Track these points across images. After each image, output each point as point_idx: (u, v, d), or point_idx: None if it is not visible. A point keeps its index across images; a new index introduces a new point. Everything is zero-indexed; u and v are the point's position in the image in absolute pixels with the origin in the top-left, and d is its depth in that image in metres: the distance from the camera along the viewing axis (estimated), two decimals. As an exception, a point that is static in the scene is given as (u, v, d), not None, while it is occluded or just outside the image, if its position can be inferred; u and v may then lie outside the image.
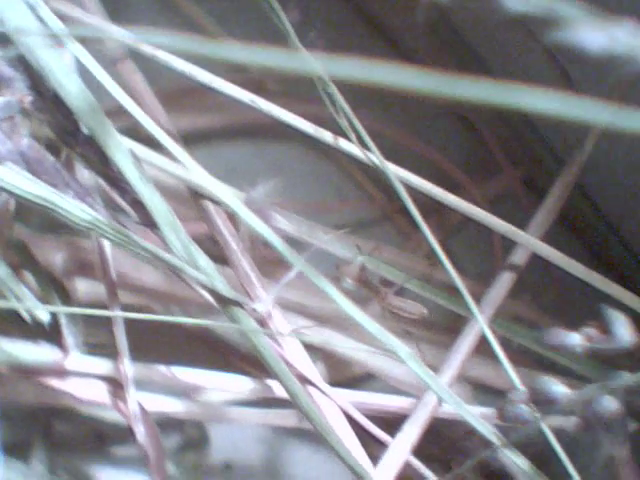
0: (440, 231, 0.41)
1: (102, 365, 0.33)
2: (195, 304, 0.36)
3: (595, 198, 0.41)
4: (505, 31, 0.38)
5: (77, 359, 0.33)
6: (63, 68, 0.28)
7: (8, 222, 0.32)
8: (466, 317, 0.34)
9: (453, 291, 0.34)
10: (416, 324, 0.36)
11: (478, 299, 0.34)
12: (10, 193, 0.28)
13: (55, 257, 0.35)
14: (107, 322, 0.32)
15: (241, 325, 0.29)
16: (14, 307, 0.30)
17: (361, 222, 0.43)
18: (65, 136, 0.29)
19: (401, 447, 0.32)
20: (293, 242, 0.31)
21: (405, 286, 0.33)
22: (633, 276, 0.42)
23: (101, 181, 0.30)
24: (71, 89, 0.28)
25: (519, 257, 0.35)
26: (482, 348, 0.34)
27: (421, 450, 0.33)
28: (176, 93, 0.39)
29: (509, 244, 0.35)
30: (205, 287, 0.29)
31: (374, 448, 0.33)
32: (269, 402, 0.35)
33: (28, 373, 0.32)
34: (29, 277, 0.33)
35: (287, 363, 0.30)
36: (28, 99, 0.27)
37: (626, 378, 0.27)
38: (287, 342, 0.31)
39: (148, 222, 0.29)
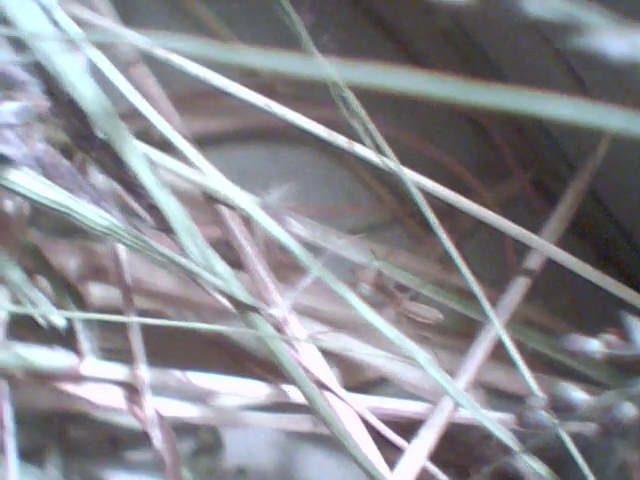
0: (452, 235, 0.41)
1: (118, 370, 0.33)
2: (209, 309, 0.36)
3: (607, 203, 0.41)
4: (519, 36, 0.38)
5: (92, 364, 0.33)
6: (78, 72, 0.27)
7: (23, 227, 0.32)
8: (479, 322, 0.34)
9: (466, 295, 0.34)
10: (430, 329, 0.36)
11: (491, 303, 0.33)
12: (26, 198, 0.28)
13: (69, 261, 0.35)
14: (122, 327, 0.32)
15: (258, 331, 0.29)
16: (30, 312, 0.30)
17: (372, 226, 0.43)
18: (80, 141, 0.29)
19: (417, 452, 0.32)
20: (306, 246, 0.31)
21: (419, 291, 0.33)
22: (646, 280, 0.42)
23: (116, 185, 0.30)
24: (86, 93, 0.28)
25: (533, 262, 0.35)
26: (495, 352, 0.34)
27: (437, 456, 0.33)
28: (188, 96, 0.39)
29: (521, 248, 0.35)
30: (222, 292, 0.29)
31: (390, 453, 0.33)
32: (283, 407, 0.35)
33: (43, 378, 0.32)
34: (43, 282, 0.33)
35: (304, 368, 0.30)
36: (44, 104, 0.27)
37: (645, 384, 0.27)
38: (304, 347, 0.31)
39: (164, 227, 0.29)
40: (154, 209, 0.29)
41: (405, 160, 0.32)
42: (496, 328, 0.32)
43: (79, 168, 0.30)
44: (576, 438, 0.30)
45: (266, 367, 0.37)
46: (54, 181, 0.28)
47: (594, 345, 0.27)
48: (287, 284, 0.33)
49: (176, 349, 0.35)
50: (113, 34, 0.31)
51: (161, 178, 0.29)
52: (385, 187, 0.43)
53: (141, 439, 0.37)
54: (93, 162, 0.29)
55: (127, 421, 0.36)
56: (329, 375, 0.32)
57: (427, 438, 0.32)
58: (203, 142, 0.35)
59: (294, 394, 0.34)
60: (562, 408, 0.28)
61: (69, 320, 0.31)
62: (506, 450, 0.30)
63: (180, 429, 0.35)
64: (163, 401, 0.34)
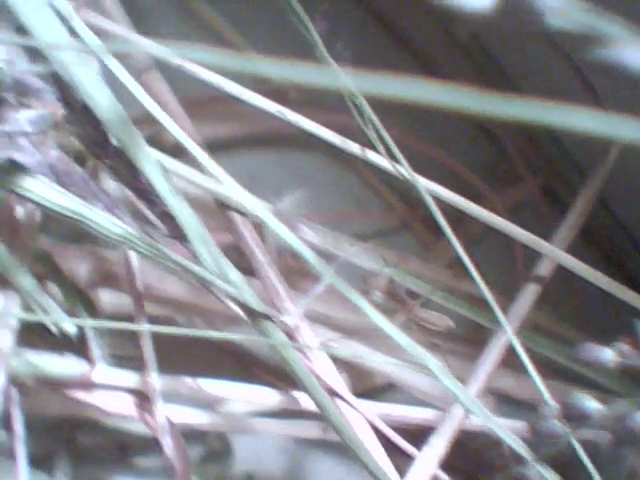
0: (461, 240, 0.41)
1: (128, 377, 0.33)
2: (219, 314, 0.36)
3: (617, 210, 0.41)
4: (534, 48, 0.37)
5: (103, 371, 0.33)
6: (94, 81, 0.27)
7: (33, 233, 0.32)
8: (489, 328, 0.34)
9: (475, 301, 0.34)
10: (440, 335, 0.36)
11: (501, 309, 0.33)
12: (41, 206, 0.28)
13: (79, 267, 0.35)
14: (133, 334, 0.32)
15: (271, 339, 0.29)
16: (42, 320, 0.30)
17: (381, 231, 0.43)
18: (94, 148, 0.29)
19: (428, 460, 0.32)
20: (317, 252, 0.31)
21: (430, 297, 0.33)
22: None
23: (127, 192, 0.30)
24: (102, 101, 0.28)
25: (544, 269, 0.35)
26: (505, 358, 0.34)
27: (446, 462, 0.33)
28: (198, 101, 0.39)
29: (531, 253, 0.35)
30: (235, 300, 0.29)
31: (400, 460, 0.33)
32: (291, 413, 0.35)
33: (54, 385, 0.32)
34: (54, 288, 0.33)
35: (316, 376, 0.30)
36: (61, 112, 0.27)
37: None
38: (315, 355, 0.31)
39: (177, 235, 0.29)
40: (167, 216, 0.29)
41: (414, 164, 0.32)
42: (508, 335, 0.32)
43: (91, 174, 0.30)
44: (585, 445, 0.30)
45: (276, 373, 0.37)
46: (67, 188, 0.28)
47: (608, 354, 0.27)
48: (298, 290, 0.33)
49: (186, 355, 0.35)
50: (131, 45, 0.31)
51: (174, 185, 0.29)
52: (394, 192, 0.43)
53: (150, 445, 0.37)
54: (106, 169, 0.29)
55: (136, 427, 0.36)
56: (340, 382, 0.32)
57: (438, 446, 0.32)
58: (213, 147, 0.35)
59: (304, 401, 0.34)
60: (575, 417, 0.28)
61: (80, 327, 0.31)
62: (517, 458, 0.30)
63: (189, 435, 0.35)
64: (173, 408, 0.34)
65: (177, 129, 0.30)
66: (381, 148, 0.31)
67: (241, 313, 0.30)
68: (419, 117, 0.42)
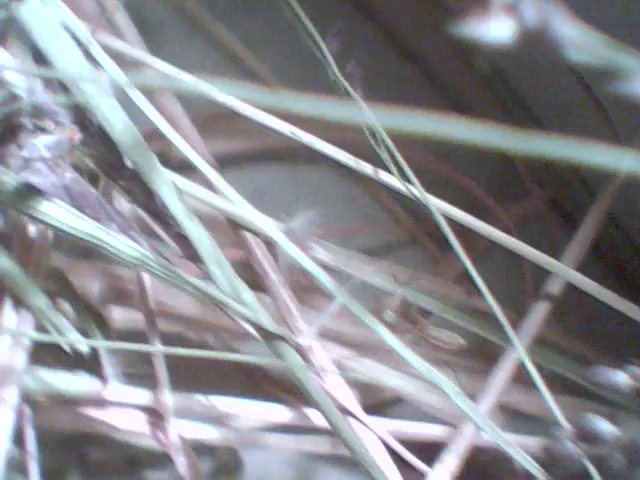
0: (469, 254, 0.41)
1: (141, 395, 0.33)
2: (231, 331, 0.36)
3: (626, 227, 0.41)
4: (556, 82, 0.37)
5: (116, 389, 0.33)
6: (109, 103, 0.28)
7: (46, 251, 0.32)
8: (498, 344, 0.34)
9: (483, 315, 0.34)
10: (451, 352, 0.36)
11: (510, 324, 0.33)
12: (57, 229, 0.28)
13: (91, 284, 0.35)
14: (145, 352, 0.32)
15: (286, 360, 0.29)
16: (56, 341, 0.30)
17: (388, 245, 0.43)
18: (109, 170, 0.29)
19: (441, 477, 0.32)
20: (327, 269, 0.31)
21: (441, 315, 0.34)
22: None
23: (141, 212, 0.30)
24: (116, 124, 0.28)
25: (553, 287, 0.35)
26: (514, 374, 0.34)
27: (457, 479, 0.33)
28: (207, 117, 0.39)
29: (539, 269, 0.35)
30: (249, 321, 0.29)
31: (410, 477, 0.33)
32: (301, 428, 0.36)
33: (67, 403, 0.32)
34: (66, 305, 0.33)
35: (329, 395, 0.30)
36: (78, 137, 0.27)
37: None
38: (329, 374, 0.31)
39: (192, 256, 0.29)
40: (182, 238, 0.29)
41: (422, 179, 0.32)
42: (519, 352, 0.32)
43: (104, 195, 0.30)
44: (599, 466, 0.30)
45: (285, 389, 0.37)
46: (82, 211, 0.28)
47: (621, 377, 0.28)
48: (309, 307, 0.33)
49: (197, 371, 0.35)
50: (154, 77, 0.31)
51: (189, 207, 0.29)
52: (402, 207, 0.43)
53: (160, 460, 0.37)
54: (121, 191, 0.29)
55: (146, 442, 0.36)
56: (352, 400, 0.32)
57: (450, 463, 0.33)
58: (223, 163, 0.35)
59: (314, 417, 0.34)
60: (588, 439, 0.28)
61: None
62: (528, 476, 0.30)
63: (199, 449, 0.35)
64: (184, 423, 0.34)
65: (185, 145, 0.30)
66: (393, 169, 0.31)
67: (255, 333, 0.30)
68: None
